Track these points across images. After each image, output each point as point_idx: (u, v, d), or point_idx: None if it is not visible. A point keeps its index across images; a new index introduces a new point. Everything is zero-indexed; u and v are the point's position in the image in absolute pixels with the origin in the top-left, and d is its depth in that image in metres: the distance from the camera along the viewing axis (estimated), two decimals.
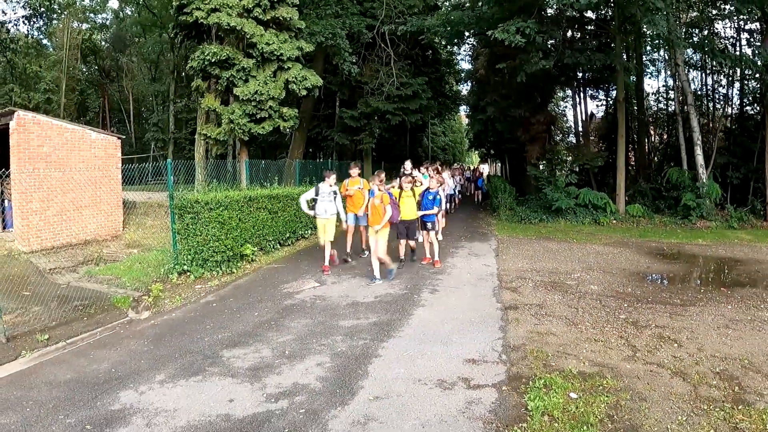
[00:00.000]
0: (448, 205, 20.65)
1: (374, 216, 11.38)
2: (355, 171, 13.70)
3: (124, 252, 14.31)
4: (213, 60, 18.84)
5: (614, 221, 21.13)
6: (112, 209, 16.27)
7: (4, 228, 15.25)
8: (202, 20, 18.92)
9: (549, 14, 23.06)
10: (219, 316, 8.79)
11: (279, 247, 14.71)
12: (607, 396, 5.54)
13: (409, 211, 12.44)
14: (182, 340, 7.63)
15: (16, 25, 37.15)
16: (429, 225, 12.92)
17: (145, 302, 9.54)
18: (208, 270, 11.45)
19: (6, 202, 15.25)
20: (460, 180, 30.89)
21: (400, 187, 12.58)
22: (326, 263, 12.26)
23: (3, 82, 40.68)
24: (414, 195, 12.72)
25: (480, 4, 23.35)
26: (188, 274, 11.27)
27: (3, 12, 34.95)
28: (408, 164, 17.12)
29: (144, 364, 6.81)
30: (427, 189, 13.34)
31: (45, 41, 48.13)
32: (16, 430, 5.14)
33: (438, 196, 13.34)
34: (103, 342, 7.79)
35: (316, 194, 12.44)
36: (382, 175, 12.08)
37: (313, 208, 12.56)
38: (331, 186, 12.46)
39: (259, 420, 5.23)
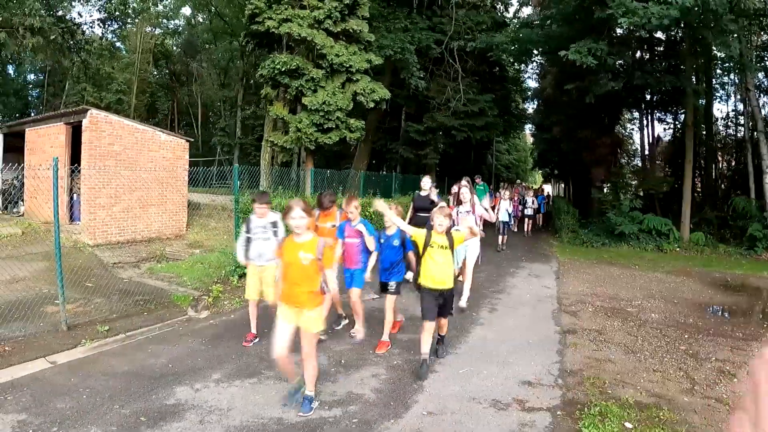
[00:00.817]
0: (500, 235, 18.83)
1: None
2: (327, 200, 8.52)
3: (186, 251, 14.60)
4: (283, 69, 19.17)
5: (677, 249, 20.68)
6: (177, 209, 16.63)
7: (71, 220, 15.72)
8: (273, 30, 19.30)
9: (619, 34, 22.79)
10: (276, 320, 8.88)
11: None
12: (662, 428, 5.43)
13: (442, 271, 6.84)
14: (239, 342, 7.75)
15: (91, 27, 38.27)
16: (392, 286, 7.91)
17: (204, 302, 9.73)
18: None
19: (75, 195, 15.75)
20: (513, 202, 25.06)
21: (430, 227, 6.88)
22: (252, 330, 8.02)
23: (77, 82, 41.97)
24: (451, 244, 6.86)
25: (549, 22, 23.22)
26: None
27: (79, 14, 36.09)
28: (426, 181, 12.51)
29: (200, 362, 6.95)
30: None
31: (118, 44, 49.53)
32: (72, 416, 5.28)
33: (408, 237, 7.50)
34: (162, 337, 7.97)
35: (247, 230, 7.92)
36: (355, 202, 7.91)
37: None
38: (265, 217, 7.90)
39: (311, 426, 5.27)
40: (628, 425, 5.48)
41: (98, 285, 10.34)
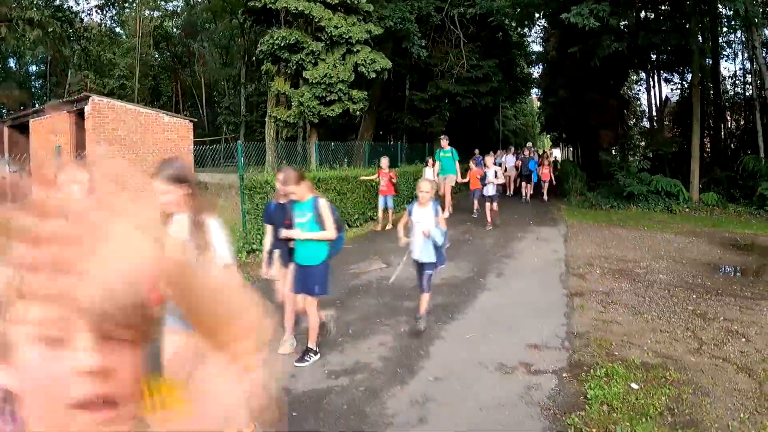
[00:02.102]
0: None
1: None
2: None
3: None
4: (282, 44, 19.11)
5: (687, 209, 20.57)
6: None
7: None
8: (270, 5, 19.23)
9: None
10: None
11: (347, 227, 14.86)
12: (668, 389, 5.42)
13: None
14: None
15: (89, 14, 38.33)
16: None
17: None
18: None
19: None
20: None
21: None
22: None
23: (79, 70, 42.09)
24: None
25: None
26: (257, 253, 11.50)
27: (76, 2, 36.11)
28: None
29: None
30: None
31: (118, 29, 49.54)
32: None
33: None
34: None
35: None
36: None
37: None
38: None
39: (318, 395, 5.34)
40: (634, 386, 5.49)
41: None
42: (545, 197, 23.07)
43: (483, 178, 15.90)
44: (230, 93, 49.89)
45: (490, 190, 15.57)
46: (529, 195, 23.42)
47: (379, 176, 14.91)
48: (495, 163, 19.26)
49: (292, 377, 5.73)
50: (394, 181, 14.99)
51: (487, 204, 15.62)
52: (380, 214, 15.31)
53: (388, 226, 14.79)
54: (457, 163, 17.14)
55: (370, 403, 5.19)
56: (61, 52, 34.49)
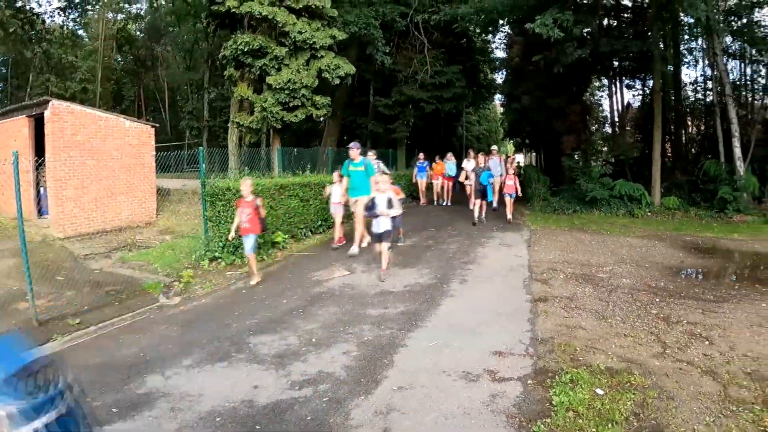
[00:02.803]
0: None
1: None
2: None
3: (157, 238, 14.49)
4: (245, 49, 18.96)
5: (649, 213, 20.81)
6: (145, 196, 16.46)
7: (40, 214, 15.51)
8: (234, 9, 19.08)
9: (585, 2, 22.74)
10: (248, 303, 8.87)
11: (310, 234, 14.78)
12: (634, 393, 5.43)
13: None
14: (211, 326, 7.71)
15: (51, 16, 37.72)
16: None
17: (176, 288, 9.66)
18: (239, 257, 11.53)
19: (42, 189, 15.52)
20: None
21: None
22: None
23: (40, 73, 41.35)
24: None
25: None
26: (219, 260, 11.39)
27: (38, 3, 35.58)
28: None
29: (172, 349, 6.89)
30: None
31: (80, 32, 48.84)
32: None
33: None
34: (134, 327, 7.92)
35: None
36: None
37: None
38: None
39: (282, 407, 5.26)
40: (599, 391, 5.49)
41: (69, 278, 10.24)
42: (509, 216, 18.14)
43: (370, 208, 10.50)
44: (193, 98, 49.39)
45: (381, 225, 10.33)
46: (482, 214, 17.68)
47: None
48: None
49: (255, 388, 5.64)
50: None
51: (377, 246, 10.63)
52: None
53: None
54: (371, 179, 12.35)
55: (334, 413, 5.12)
56: (23, 54, 33.90)
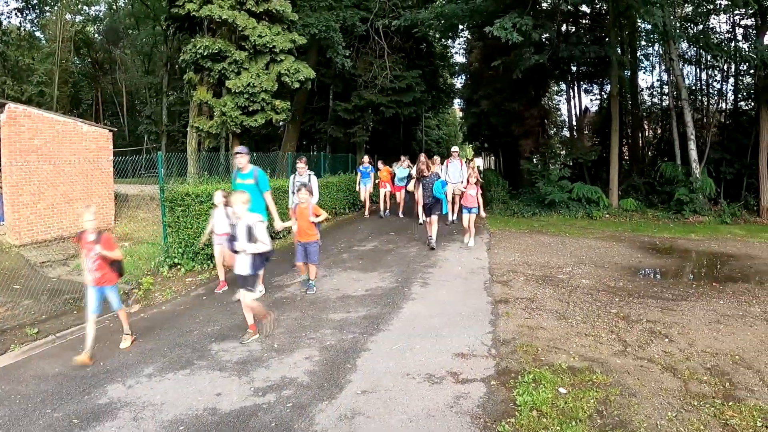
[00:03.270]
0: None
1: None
2: None
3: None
4: (205, 53, 18.78)
5: (607, 215, 21.11)
6: (103, 202, 16.21)
7: None
8: (194, 13, 18.87)
9: (544, 8, 23.01)
10: (208, 310, 8.77)
11: (270, 240, 14.63)
12: (596, 391, 5.51)
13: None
14: (171, 334, 7.61)
15: (8, 17, 37.02)
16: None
17: (135, 295, 9.52)
18: (199, 263, 11.43)
19: None
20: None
21: None
22: None
23: None
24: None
25: None
26: (179, 267, 11.25)
27: None
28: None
29: (132, 357, 6.78)
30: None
31: (38, 33, 47.99)
32: (4, 424, 5.12)
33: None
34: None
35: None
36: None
37: None
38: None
39: (246, 414, 5.21)
40: (562, 390, 5.56)
41: (26, 286, 10.01)
42: (467, 240, 14.56)
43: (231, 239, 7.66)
44: (152, 102, 48.79)
45: (239, 266, 7.58)
46: (433, 234, 13.87)
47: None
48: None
49: (218, 395, 5.58)
50: None
51: (240, 294, 7.65)
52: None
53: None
54: (267, 196, 10.24)
55: (298, 419, 5.09)
56: None
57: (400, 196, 20.66)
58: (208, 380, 5.99)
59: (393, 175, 20.78)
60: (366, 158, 21.03)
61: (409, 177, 18.34)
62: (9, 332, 7.72)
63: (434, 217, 13.69)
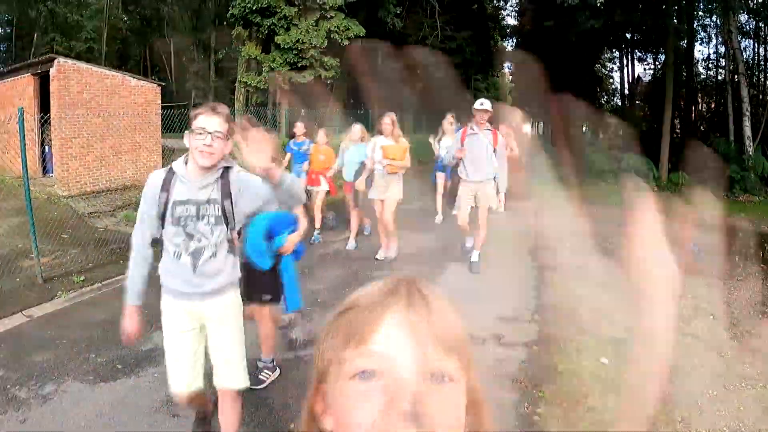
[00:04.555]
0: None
1: None
2: None
3: None
4: (254, 8, 18.76)
5: (656, 188, 20.71)
6: (151, 155, 16.36)
7: (44, 173, 15.44)
8: None
9: None
10: None
11: None
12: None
13: None
14: None
15: None
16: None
17: None
18: None
19: (47, 147, 15.42)
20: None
21: None
22: None
23: (44, 32, 40.93)
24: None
25: None
26: None
27: None
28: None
29: None
30: None
31: None
32: (48, 368, 5.21)
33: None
34: None
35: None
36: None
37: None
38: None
39: (285, 366, 5.27)
40: (604, 360, 5.46)
41: (73, 236, 10.21)
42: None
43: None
44: (200, 58, 49.07)
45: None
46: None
47: None
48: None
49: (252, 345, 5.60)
50: None
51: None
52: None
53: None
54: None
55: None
56: (27, 13, 33.55)
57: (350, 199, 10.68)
58: (251, 329, 6.01)
59: None
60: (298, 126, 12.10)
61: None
62: (57, 280, 7.88)
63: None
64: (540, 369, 5.31)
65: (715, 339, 6.22)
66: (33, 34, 40.25)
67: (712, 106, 29.19)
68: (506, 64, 46.83)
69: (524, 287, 7.86)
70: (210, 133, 3.07)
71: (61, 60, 14.24)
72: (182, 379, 3.52)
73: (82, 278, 7.93)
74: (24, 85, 15.50)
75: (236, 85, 24.29)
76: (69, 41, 41.40)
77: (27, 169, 7.86)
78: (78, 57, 36.47)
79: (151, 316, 6.30)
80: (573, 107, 27.34)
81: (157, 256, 3.52)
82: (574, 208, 15.15)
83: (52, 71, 13.83)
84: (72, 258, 8.97)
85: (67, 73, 14.06)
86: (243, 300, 3.77)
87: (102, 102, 14.85)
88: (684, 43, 27.09)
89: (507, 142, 8.69)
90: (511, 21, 42.64)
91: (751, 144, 20.87)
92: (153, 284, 3.55)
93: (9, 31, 42.51)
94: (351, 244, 9.93)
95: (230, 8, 20.30)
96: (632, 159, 21.72)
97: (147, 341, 5.73)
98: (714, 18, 27.20)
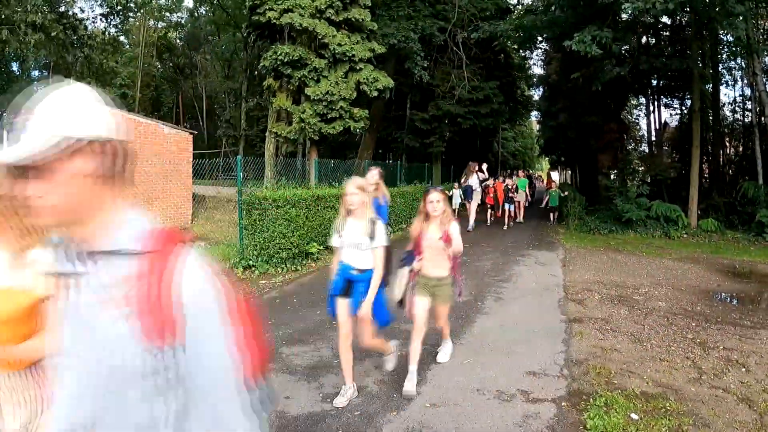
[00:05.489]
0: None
1: None
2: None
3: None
4: (285, 60, 19.14)
5: (685, 235, 20.57)
6: (181, 202, 16.64)
7: None
8: (274, 20, 19.30)
9: (624, 20, 22.62)
10: (281, 313, 8.86)
11: None
12: (669, 419, 5.34)
13: None
14: None
15: (93, 22, 38.37)
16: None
17: None
18: (273, 266, 11.61)
19: None
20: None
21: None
22: None
23: (80, 77, 41.97)
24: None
25: (553, 8, 23.00)
26: (253, 269, 11.45)
27: (81, 9, 36.24)
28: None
29: None
30: None
31: (122, 38, 49.71)
32: None
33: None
34: None
35: None
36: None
37: None
38: None
39: (313, 419, 5.23)
40: (634, 416, 5.41)
41: None
42: None
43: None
44: (231, 106, 49.98)
45: None
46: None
47: None
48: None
49: (286, 399, 5.63)
50: None
51: None
52: None
53: None
54: None
55: (365, 428, 5.09)
56: (64, 58, 34.47)
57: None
58: (278, 383, 6.02)
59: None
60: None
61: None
62: None
63: None
64: (568, 426, 5.27)
65: (747, 391, 6.14)
66: (69, 78, 41.26)
67: (740, 149, 29.07)
68: (533, 113, 47.18)
69: (551, 340, 7.80)
70: None
71: None
72: None
73: None
74: None
75: (267, 134, 24.67)
76: (104, 87, 42.44)
77: None
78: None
79: None
80: (600, 155, 27.42)
81: None
82: (602, 257, 15.16)
83: None
84: None
85: None
86: None
87: (135, 148, 15.18)
88: (709, 86, 27.11)
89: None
90: (537, 70, 43.13)
91: None
92: None
93: (46, 74, 43.73)
94: None
95: (262, 60, 20.74)
96: (661, 206, 21.63)
97: None
98: (738, 60, 27.24)
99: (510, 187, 21.95)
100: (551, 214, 24.28)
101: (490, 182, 22.52)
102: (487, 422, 5.24)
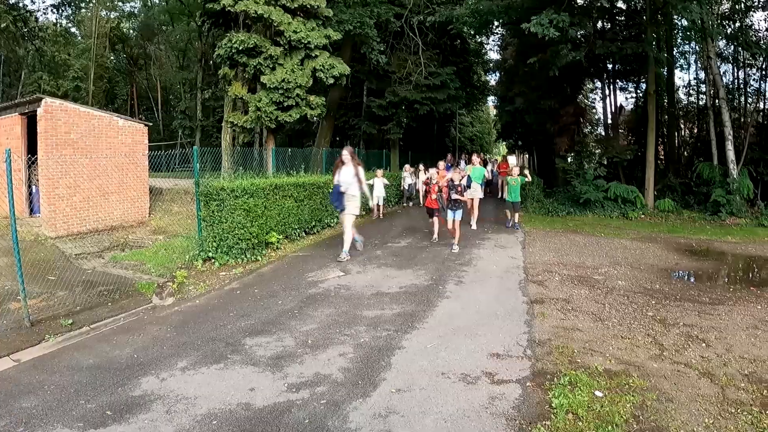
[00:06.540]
0: None
1: None
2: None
3: (149, 238, 14.37)
4: (240, 48, 18.86)
5: (642, 216, 20.87)
6: (138, 195, 16.36)
7: (31, 213, 15.40)
8: (229, 8, 18.98)
9: (580, 4, 22.76)
10: (242, 304, 8.78)
11: (304, 235, 14.75)
12: (633, 395, 5.40)
13: None
14: (205, 327, 7.62)
15: (44, 13, 37.70)
16: None
17: (169, 288, 9.55)
18: (233, 257, 11.47)
19: (34, 187, 15.40)
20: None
21: None
22: None
23: (32, 70, 41.14)
24: None
25: None
26: (213, 261, 11.30)
27: (32, 1, 35.50)
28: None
29: (166, 350, 6.79)
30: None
31: (74, 29, 48.72)
32: (37, 414, 5.12)
33: None
34: (127, 328, 7.79)
35: None
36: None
37: None
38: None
39: (279, 410, 5.18)
40: (599, 393, 5.46)
41: (61, 278, 10.12)
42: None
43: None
44: (186, 97, 49.30)
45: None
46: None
47: None
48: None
49: (251, 390, 5.56)
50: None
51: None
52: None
53: None
54: None
55: (332, 416, 5.04)
56: (15, 51, 33.71)
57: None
58: (242, 375, 5.97)
59: None
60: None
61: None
62: (44, 323, 7.78)
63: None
64: (534, 405, 5.28)
65: (708, 366, 6.23)
66: (20, 71, 40.41)
67: (695, 131, 29.53)
68: (490, 98, 47.41)
69: (514, 321, 7.84)
70: None
71: (48, 100, 14.27)
72: None
73: (70, 321, 7.81)
74: (11, 124, 15.54)
75: (223, 124, 24.36)
76: (56, 80, 41.72)
77: (14, 211, 7.81)
78: (65, 95, 36.70)
79: (141, 362, 6.32)
80: (558, 138, 27.66)
81: None
82: (561, 239, 15.30)
83: (40, 111, 13.87)
84: (60, 300, 8.87)
85: (55, 113, 14.09)
86: None
87: (89, 142, 14.86)
88: (664, 70, 27.47)
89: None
90: (494, 55, 43.33)
91: (735, 167, 21.12)
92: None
93: None
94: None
95: (217, 48, 20.42)
96: (619, 188, 21.90)
97: (136, 387, 5.70)
98: (693, 44, 27.66)
99: (456, 183, 13.81)
100: (507, 212, 18.06)
101: (433, 175, 15.10)
102: (453, 405, 5.23)
